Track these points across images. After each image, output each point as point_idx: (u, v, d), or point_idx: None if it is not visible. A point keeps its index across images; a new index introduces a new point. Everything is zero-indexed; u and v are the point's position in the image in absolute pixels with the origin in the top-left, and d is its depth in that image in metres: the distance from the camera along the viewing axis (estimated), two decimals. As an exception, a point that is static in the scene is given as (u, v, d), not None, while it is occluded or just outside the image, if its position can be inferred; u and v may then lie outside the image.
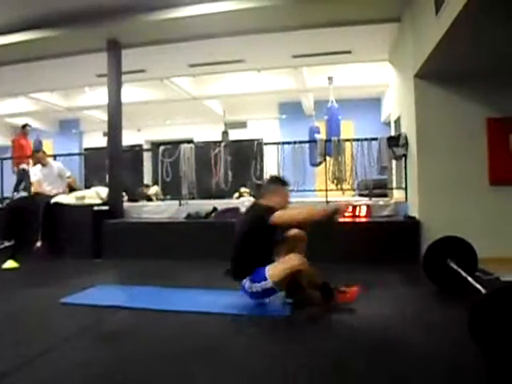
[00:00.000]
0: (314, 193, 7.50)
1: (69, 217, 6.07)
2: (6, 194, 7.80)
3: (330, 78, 8.97)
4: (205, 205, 6.36)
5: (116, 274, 5.16)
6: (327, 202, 5.97)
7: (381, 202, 6.13)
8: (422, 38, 4.67)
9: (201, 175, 6.78)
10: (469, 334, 2.18)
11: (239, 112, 12.52)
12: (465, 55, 4.35)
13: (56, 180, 6.59)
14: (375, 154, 6.11)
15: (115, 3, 5.77)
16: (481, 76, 4.91)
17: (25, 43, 6.47)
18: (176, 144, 7.01)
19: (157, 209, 6.73)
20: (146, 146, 12.93)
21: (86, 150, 13.30)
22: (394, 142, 5.83)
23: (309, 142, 7.42)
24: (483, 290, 2.72)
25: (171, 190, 7.50)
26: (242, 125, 12.74)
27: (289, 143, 6.79)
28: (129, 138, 9.53)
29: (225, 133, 12.41)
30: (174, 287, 4.05)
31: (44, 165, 6.50)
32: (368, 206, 5.77)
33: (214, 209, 6.16)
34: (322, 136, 8.36)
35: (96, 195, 6.55)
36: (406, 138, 5.69)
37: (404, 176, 5.92)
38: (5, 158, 8.30)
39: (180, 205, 6.55)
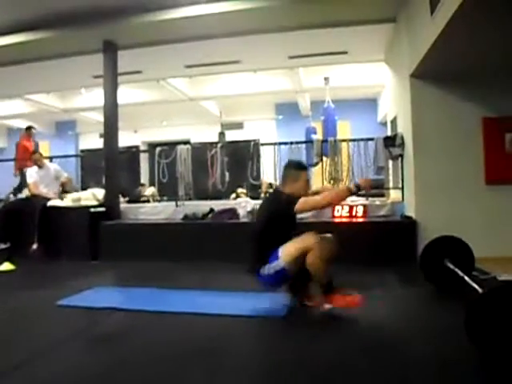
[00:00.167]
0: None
1: (65, 219, 6.05)
2: (1, 196, 7.76)
3: (326, 79, 8.99)
4: (202, 206, 6.35)
5: (113, 276, 5.14)
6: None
7: (377, 202, 6.14)
8: (417, 38, 4.68)
9: (197, 176, 6.76)
10: (465, 334, 2.19)
11: (236, 113, 12.52)
12: (460, 55, 4.36)
13: (52, 182, 6.56)
14: (372, 154, 6.10)
15: (111, 4, 5.75)
16: (476, 76, 4.93)
17: (20, 44, 6.45)
18: (172, 145, 7.00)
19: (153, 210, 6.71)
20: (142, 148, 12.92)
21: (82, 151, 13.26)
22: (391, 142, 5.84)
23: (305, 142, 7.41)
24: (480, 290, 2.72)
25: (168, 191, 7.48)
26: (239, 125, 12.74)
27: (285, 144, 6.78)
28: (125, 140, 9.50)
29: (221, 134, 12.41)
30: (171, 288, 4.04)
31: (40, 166, 6.47)
32: (365, 206, 5.77)
33: (211, 210, 6.15)
34: (318, 136, 8.36)
35: (92, 197, 6.52)
36: (402, 137, 5.69)
37: (400, 176, 5.93)
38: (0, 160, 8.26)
39: (177, 206, 6.54)
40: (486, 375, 2.11)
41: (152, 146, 9.79)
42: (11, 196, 7.49)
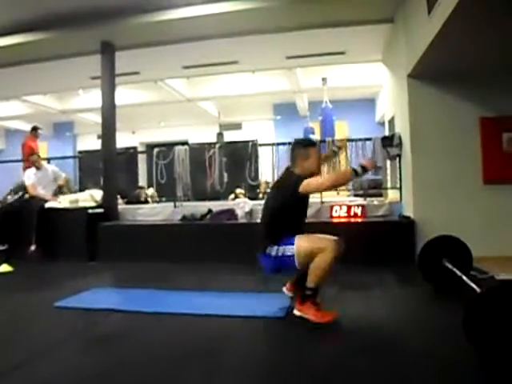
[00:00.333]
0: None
1: (63, 220, 6.04)
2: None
3: (323, 79, 8.99)
4: (200, 207, 6.35)
5: (110, 277, 5.13)
6: (322, 202, 5.96)
7: (376, 202, 6.14)
8: (414, 38, 4.68)
9: (196, 177, 6.76)
10: (464, 333, 2.19)
11: (234, 113, 12.53)
12: (457, 55, 4.36)
13: (50, 184, 6.56)
14: (369, 155, 6.11)
15: (109, 5, 5.75)
16: (474, 75, 4.93)
17: (18, 46, 6.43)
18: (170, 146, 6.99)
19: (152, 211, 6.70)
20: (140, 149, 12.91)
21: (80, 152, 13.26)
22: (388, 142, 5.83)
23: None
24: (478, 289, 2.73)
25: (166, 192, 7.48)
26: (237, 126, 12.76)
27: (283, 144, 6.78)
28: (123, 141, 9.50)
29: (219, 134, 12.42)
30: (170, 289, 4.03)
31: (38, 168, 6.47)
32: (363, 206, 5.77)
33: (209, 211, 6.15)
34: (316, 136, 8.37)
35: (90, 198, 6.51)
36: (399, 137, 5.69)
37: (398, 176, 5.93)
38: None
39: (175, 207, 6.53)
40: (485, 375, 2.11)
41: (150, 147, 9.78)
42: (9, 198, 7.46)
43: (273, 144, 6.90)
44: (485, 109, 5.07)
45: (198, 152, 6.86)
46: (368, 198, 6.36)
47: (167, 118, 12.68)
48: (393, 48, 6.18)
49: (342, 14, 5.81)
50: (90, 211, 6.14)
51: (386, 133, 7.62)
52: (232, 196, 8.11)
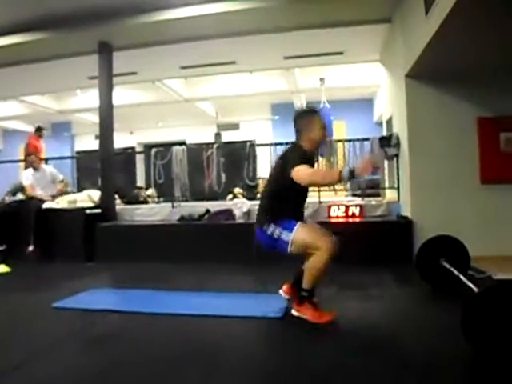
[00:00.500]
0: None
1: (61, 220, 6.02)
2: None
3: (321, 79, 9.00)
4: (198, 207, 6.34)
5: (108, 278, 5.12)
6: (320, 202, 5.97)
7: (373, 202, 6.14)
8: (412, 38, 4.69)
9: (193, 177, 6.76)
10: (462, 333, 2.19)
11: (232, 113, 12.53)
12: (455, 55, 4.36)
13: (48, 185, 6.54)
14: (367, 155, 6.11)
15: (106, 5, 5.74)
16: (472, 75, 4.94)
17: (15, 46, 6.41)
18: (168, 146, 6.99)
19: (150, 211, 6.69)
20: (138, 149, 12.89)
21: (78, 153, 13.22)
22: (386, 142, 5.83)
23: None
24: (476, 289, 2.73)
25: (164, 192, 7.48)
26: (235, 126, 12.75)
27: (281, 144, 6.77)
28: (121, 141, 9.50)
29: (217, 134, 12.42)
30: (167, 290, 4.03)
31: (36, 168, 6.46)
32: (361, 207, 5.78)
33: (207, 211, 6.14)
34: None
35: (88, 198, 6.51)
36: (397, 137, 5.70)
37: (396, 176, 5.94)
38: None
39: (173, 207, 6.53)
40: (483, 375, 2.12)
41: (148, 147, 9.79)
42: (7, 198, 7.45)
43: (271, 144, 6.91)
44: (482, 109, 5.07)
45: (196, 152, 6.87)
46: (366, 198, 6.37)
47: (165, 118, 12.67)
48: (390, 48, 6.18)
49: (340, 14, 5.81)
50: (88, 212, 6.13)
51: (384, 133, 7.63)
52: (230, 196, 8.11)
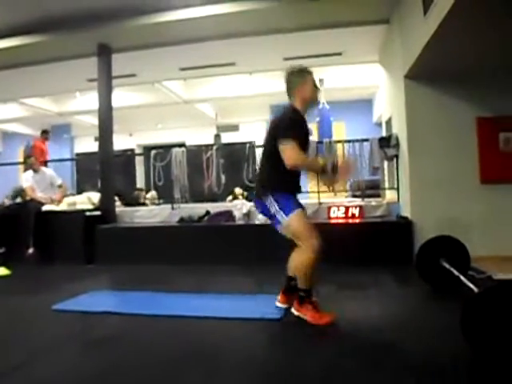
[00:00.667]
0: (307, 194, 7.49)
1: (60, 223, 6.02)
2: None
3: (320, 80, 8.97)
4: (197, 208, 6.34)
5: (108, 280, 5.12)
6: (319, 203, 5.97)
7: (373, 203, 6.14)
8: (410, 38, 4.69)
9: (193, 179, 6.76)
10: (461, 333, 2.19)
11: (231, 115, 12.52)
12: (454, 55, 4.37)
13: (47, 188, 6.53)
14: (367, 155, 6.12)
15: (105, 7, 5.74)
16: (471, 76, 4.94)
17: (15, 48, 6.42)
18: (168, 148, 6.99)
19: (149, 213, 6.69)
20: (138, 151, 12.90)
21: (77, 155, 13.23)
22: (386, 142, 5.84)
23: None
24: (476, 289, 2.73)
25: (164, 193, 7.48)
26: (234, 128, 12.74)
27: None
28: (121, 143, 9.50)
29: (217, 136, 12.41)
30: (167, 292, 4.02)
31: (36, 170, 6.46)
32: (361, 207, 5.78)
33: (207, 212, 6.15)
34: (313, 137, 8.36)
35: (88, 200, 6.51)
36: (397, 138, 5.71)
37: (396, 176, 5.94)
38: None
39: (173, 209, 6.53)
40: (483, 375, 2.11)
41: (147, 149, 9.79)
42: (6, 201, 7.45)
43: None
44: (482, 109, 5.08)
45: (196, 154, 6.86)
46: (366, 199, 6.37)
47: (164, 120, 12.67)
48: (389, 49, 6.19)
49: (338, 15, 5.82)
50: (88, 214, 6.13)
51: (384, 133, 7.63)
52: (230, 198, 8.12)
